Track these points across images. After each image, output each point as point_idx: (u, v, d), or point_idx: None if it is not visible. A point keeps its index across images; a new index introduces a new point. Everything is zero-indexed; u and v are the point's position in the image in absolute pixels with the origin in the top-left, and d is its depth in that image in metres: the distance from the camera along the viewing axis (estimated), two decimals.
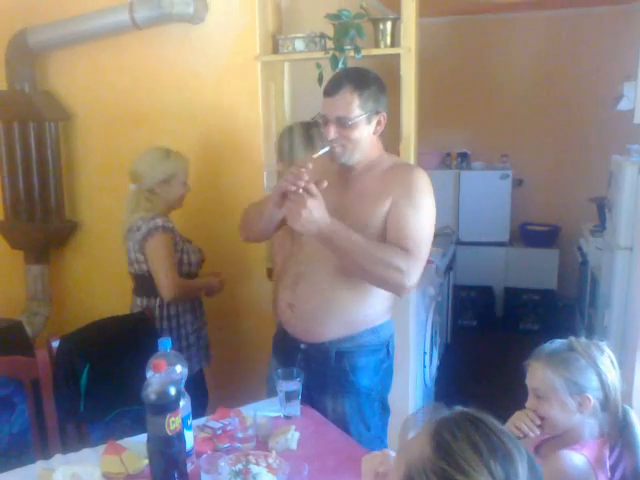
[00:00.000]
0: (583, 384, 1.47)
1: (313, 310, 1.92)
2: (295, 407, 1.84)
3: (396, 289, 1.85)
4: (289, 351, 2.00)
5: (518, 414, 1.58)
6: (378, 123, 1.85)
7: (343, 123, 1.78)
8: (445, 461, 0.80)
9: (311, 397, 1.96)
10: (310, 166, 1.72)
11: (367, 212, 1.84)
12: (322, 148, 1.82)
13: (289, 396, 1.82)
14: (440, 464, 0.80)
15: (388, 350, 2.00)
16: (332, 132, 1.80)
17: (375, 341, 1.95)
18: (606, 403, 1.48)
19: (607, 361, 1.49)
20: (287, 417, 1.83)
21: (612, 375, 1.48)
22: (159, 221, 2.42)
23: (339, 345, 1.91)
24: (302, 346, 1.96)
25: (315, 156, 1.78)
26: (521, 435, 1.55)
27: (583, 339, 1.53)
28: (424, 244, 1.84)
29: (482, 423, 0.85)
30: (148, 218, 2.42)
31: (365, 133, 1.83)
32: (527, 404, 1.56)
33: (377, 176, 1.87)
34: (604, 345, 1.53)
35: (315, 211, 1.68)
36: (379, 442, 2.00)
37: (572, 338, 1.53)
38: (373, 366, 1.95)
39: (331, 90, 1.80)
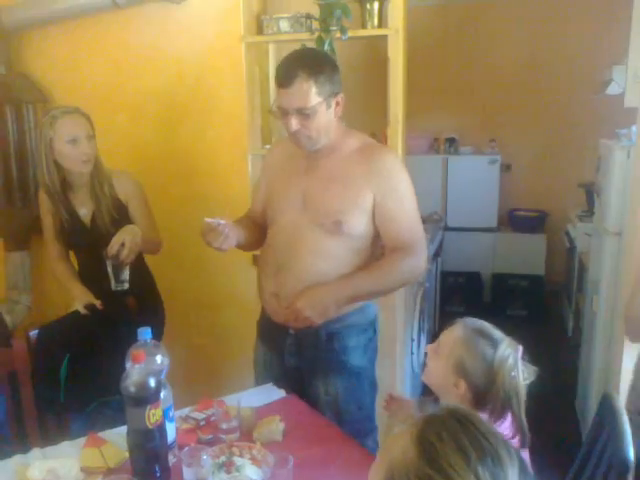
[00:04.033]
0: (467, 372, 1.45)
1: None
2: None
3: (418, 278, 1.97)
4: (278, 336, 1.98)
5: None
6: (337, 105, 1.80)
7: (304, 113, 1.73)
8: (430, 466, 0.75)
9: (303, 380, 1.97)
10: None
11: (341, 200, 1.81)
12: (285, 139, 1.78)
13: None
14: (425, 470, 0.75)
15: (374, 328, 2.02)
16: (294, 124, 1.75)
17: (363, 320, 1.97)
18: (484, 400, 1.43)
19: (508, 374, 1.41)
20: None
21: (506, 384, 1.40)
22: None
23: (328, 327, 1.89)
24: (291, 331, 1.95)
25: None
26: None
27: (509, 350, 1.42)
28: (419, 227, 1.88)
29: (471, 424, 0.79)
30: None
31: (327, 118, 1.78)
32: (428, 345, 1.60)
33: (344, 158, 1.85)
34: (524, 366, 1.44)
35: (308, 302, 1.77)
36: (369, 421, 2.03)
37: (506, 340, 1.44)
38: (363, 345, 1.97)
39: (285, 81, 1.72)
